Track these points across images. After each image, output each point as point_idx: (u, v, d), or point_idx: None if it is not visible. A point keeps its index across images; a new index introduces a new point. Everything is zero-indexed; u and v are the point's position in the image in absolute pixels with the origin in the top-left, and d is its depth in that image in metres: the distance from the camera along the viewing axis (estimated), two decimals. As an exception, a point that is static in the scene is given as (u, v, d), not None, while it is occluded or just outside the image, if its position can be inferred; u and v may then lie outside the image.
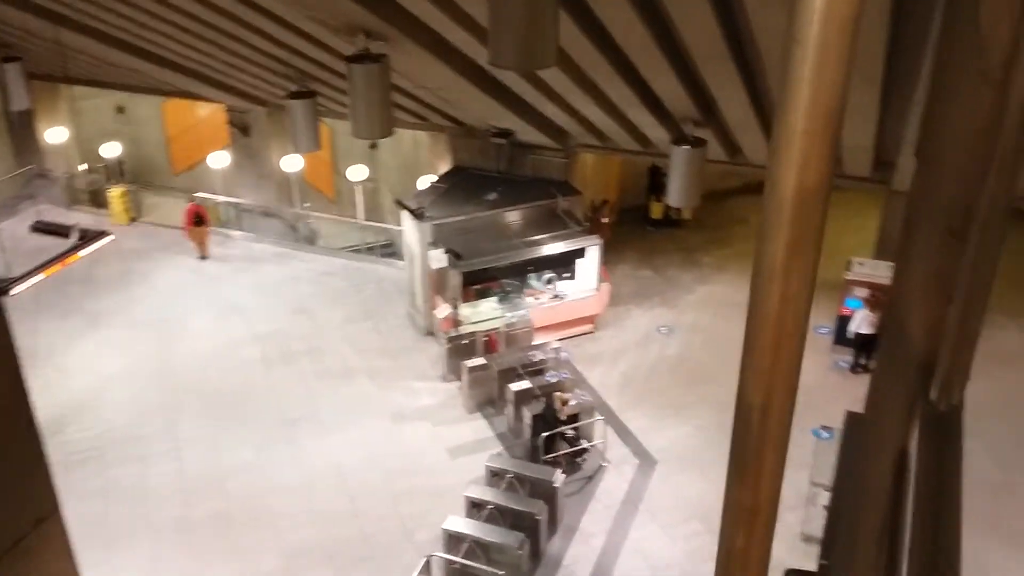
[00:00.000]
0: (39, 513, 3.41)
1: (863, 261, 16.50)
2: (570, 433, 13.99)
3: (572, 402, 14.07)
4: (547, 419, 13.79)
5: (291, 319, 18.33)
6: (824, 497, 11.77)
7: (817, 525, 11.89)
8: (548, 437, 13.64)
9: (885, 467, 2.87)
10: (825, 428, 13.12)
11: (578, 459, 14.07)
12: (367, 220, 22.97)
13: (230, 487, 13.82)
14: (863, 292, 16.12)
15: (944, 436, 2.27)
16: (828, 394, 15.10)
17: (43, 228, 20.42)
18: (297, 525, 13.05)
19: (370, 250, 22.01)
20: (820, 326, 17.07)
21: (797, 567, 12.16)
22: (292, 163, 21.66)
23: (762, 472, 2.03)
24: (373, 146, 24.70)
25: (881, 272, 16.11)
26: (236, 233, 22.06)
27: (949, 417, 2.32)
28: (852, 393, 14.85)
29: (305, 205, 22.77)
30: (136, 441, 14.80)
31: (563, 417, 13.85)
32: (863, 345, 15.85)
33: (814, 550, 11.88)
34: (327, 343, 17.51)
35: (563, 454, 13.85)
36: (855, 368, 16.15)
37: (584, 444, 14.09)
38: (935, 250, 2.39)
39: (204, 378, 16.48)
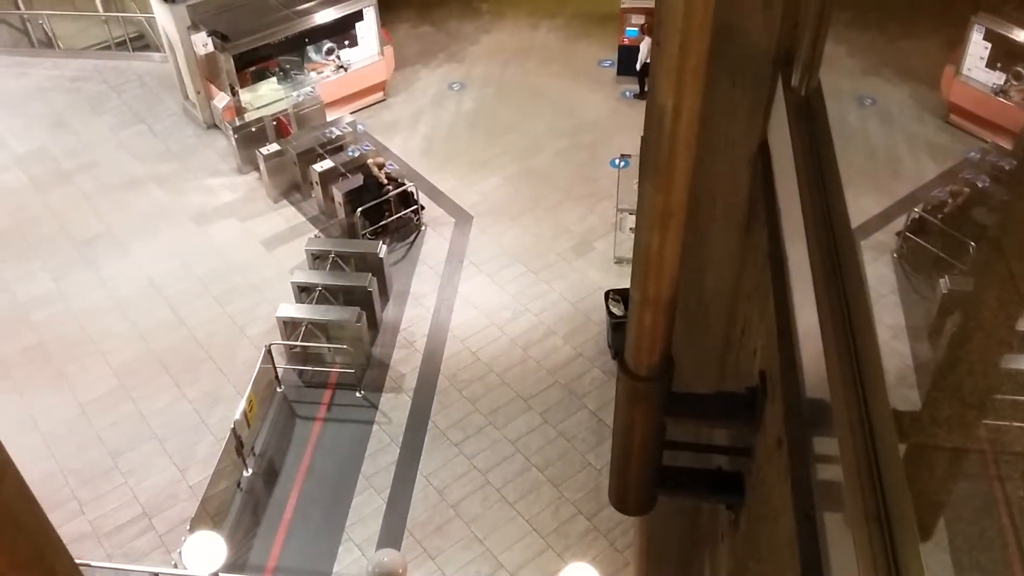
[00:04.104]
0: None
1: (636, -13, 16.63)
2: (394, 193, 13.91)
3: (387, 167, 13.97)
4: (369, 188, 13.62)
5: (52, 135, 16.54)
6: (630, 221, 12.64)
7: (627, 248, 12.84)
8: (370, 210, 13.56)
9: (742, 159, 3.12)
10: (623, 157, 13.81)
11: (415, 218, 14.16)
12: (108, 12, 20.48)
13: (36, 320, 12.98)
14: (640, 19, 16.44)
15: (813, 114, 2.48)
16: (620, 124, 15.77)
17: None
18: (121, 345, 12.59)
19: (120, 45, 19.82)
20: (603, 60, 17.46)
21: (614, 287, 13.17)
22: (1, -46, 18.66)
23: (674, 174, 2.15)
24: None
25: (655, -3, 16.39)
26: (-47, 46, 19.16)
27: (812, 99, 2.53)
28: (642, 122, 15.60)
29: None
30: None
31: (384, 181, 13.74)
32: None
33: (626, 270, 12.95)
34: (100, 155, 16.06)
35: (391, 220, 13.87)
36: (642, 95, 16.65)
37: (417, 204, 14.14)
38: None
39: (-32, 214, 14.86)
